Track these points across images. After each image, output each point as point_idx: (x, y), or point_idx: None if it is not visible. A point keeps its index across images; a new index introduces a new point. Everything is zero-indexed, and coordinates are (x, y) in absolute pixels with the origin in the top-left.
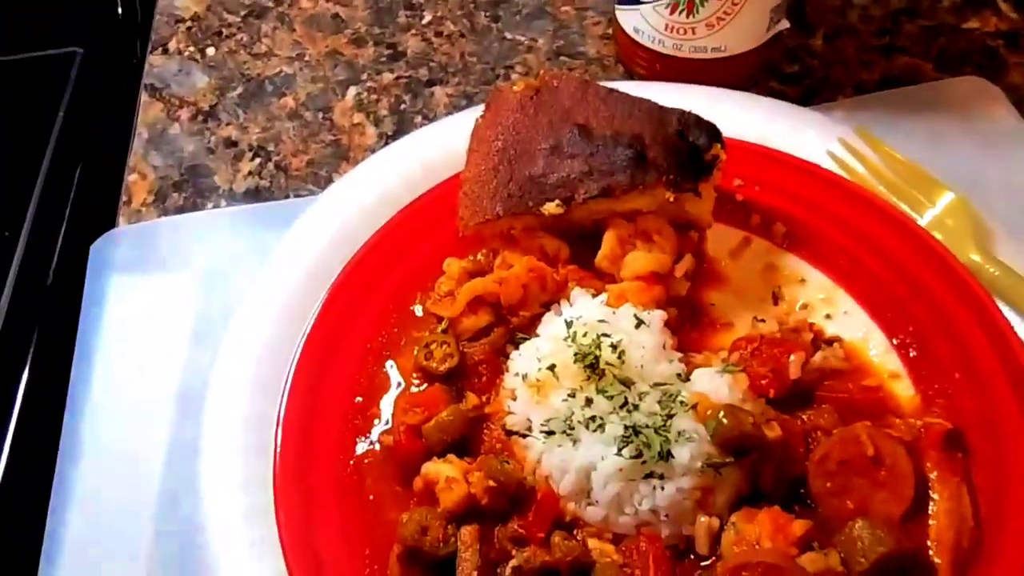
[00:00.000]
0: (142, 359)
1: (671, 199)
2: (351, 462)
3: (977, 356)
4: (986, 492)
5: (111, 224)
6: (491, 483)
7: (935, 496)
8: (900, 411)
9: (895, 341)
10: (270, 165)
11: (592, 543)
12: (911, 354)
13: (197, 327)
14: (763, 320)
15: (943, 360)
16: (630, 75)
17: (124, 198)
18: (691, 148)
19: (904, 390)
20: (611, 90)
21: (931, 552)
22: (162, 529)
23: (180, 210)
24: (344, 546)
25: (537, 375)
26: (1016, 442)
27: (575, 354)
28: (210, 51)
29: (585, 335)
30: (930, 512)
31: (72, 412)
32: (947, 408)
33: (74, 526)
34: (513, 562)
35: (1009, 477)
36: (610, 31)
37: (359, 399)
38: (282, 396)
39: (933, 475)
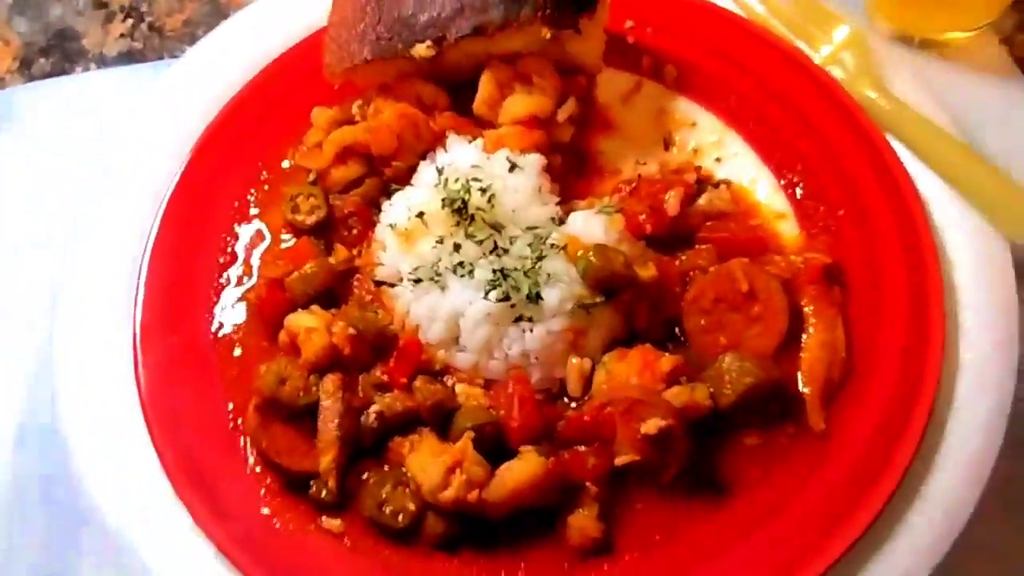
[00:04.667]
0: (10, 234)
1: (548, 36)
2: (217, 321)
3: (863, 191)
4: (860, 325)
5: None
6: (352, 332)
7: (810, 330)
8: (783, 250)
9: (782, 182)
10: (143, 26)
11: (461, 389)
12: (798, 194)
13: (62, 195)
14: (644, 163)
15: (829, 197)
16: None
17: None
18: None
19: (789, 230)
20: None
21: (801, 383)
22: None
23: (47, 76)
24: (206, 402)
25: (406, 224)
26: (894, 274)
27: (443, 199)
28: None
29: (456, 181)
30: (803, 345)
31: None
32: (829, 244)
33: None
34: (375, 407)
35: (884, 309)
36: None
37: (223, 259)
38: (142, 257)
39: (809, 309)
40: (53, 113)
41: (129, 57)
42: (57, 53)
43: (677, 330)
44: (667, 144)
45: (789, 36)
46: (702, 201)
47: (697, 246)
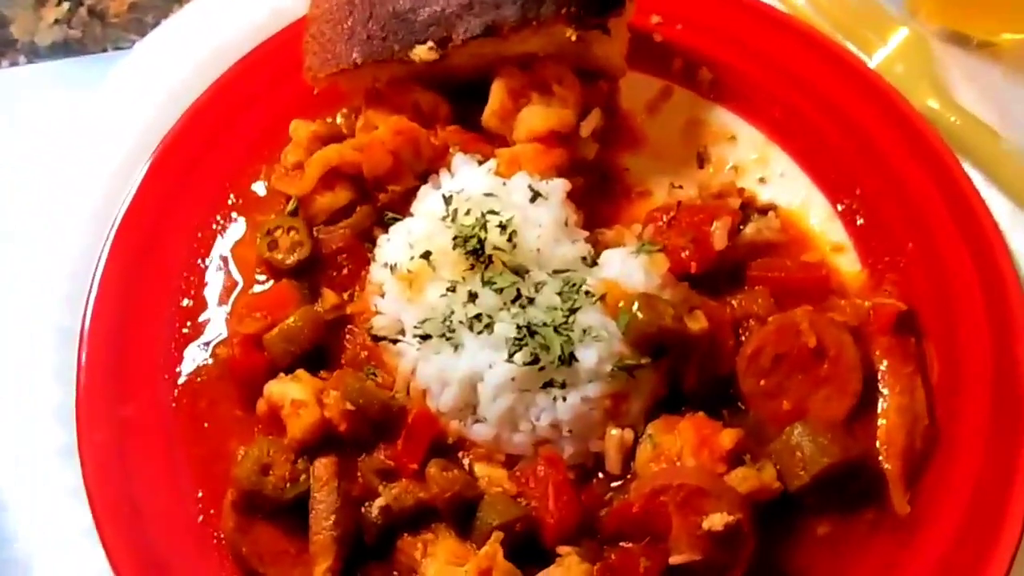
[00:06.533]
0: None
1: (573, 38)
2: (179, 383)
3: (934, 222)
4: (942, 381)
5: None
6: (349, 406)
7: (885, 391)
8: (845, 290)
9: (839, 207)
10: (82, 11)
11: (480, 469)
12: (858, 222)
13: None
14: (680, 186)
15: (894, 228)
16: None
17: None
18: None
19: (849, 265)
20: None
21: (880, 457)
22: None
23: None
24: (169, 489)
25: (409, 265)
26: (974, 321)
27: (454, 237)
28: None
29: (468, 213)
30: (880, 410)
31: None
32: (899, 284)
33: None
34: (380, 501)
35: (966, 362)
36: None
37: (187, 302)
38: (86, 304)
39: (883, 365)
40: None
41: (66, 48)
42: None
43: (731, 392)
44: (701, 161)
45: (838, 37)
46: (748, 230)
47: (747, 287)
